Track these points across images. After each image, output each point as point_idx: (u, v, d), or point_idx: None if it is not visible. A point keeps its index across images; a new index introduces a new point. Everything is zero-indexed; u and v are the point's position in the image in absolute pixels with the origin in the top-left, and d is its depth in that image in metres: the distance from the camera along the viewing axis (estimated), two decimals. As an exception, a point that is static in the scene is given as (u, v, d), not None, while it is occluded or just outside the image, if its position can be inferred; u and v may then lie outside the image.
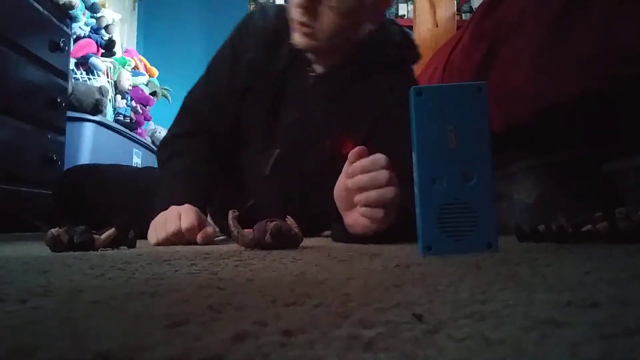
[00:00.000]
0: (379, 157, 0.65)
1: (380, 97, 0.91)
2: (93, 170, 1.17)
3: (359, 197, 0.66)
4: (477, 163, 0.50)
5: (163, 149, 1.00)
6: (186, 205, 0.82)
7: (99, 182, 1.10)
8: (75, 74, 2.06)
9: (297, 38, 0.87)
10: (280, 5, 1.03)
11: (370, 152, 0.88)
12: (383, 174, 0.64)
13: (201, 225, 0.80)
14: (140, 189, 1.09)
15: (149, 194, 1.09)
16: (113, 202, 1.04)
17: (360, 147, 0.66)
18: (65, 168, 1.65)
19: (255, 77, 0.95)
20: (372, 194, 0.64)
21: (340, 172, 0.72)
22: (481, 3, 1.27)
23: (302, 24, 0.84)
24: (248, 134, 0.97)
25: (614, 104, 0.83)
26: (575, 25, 0.84)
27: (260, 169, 0.97)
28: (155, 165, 1.08)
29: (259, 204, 0.99)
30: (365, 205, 0.66)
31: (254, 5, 2.93)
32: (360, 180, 0.65)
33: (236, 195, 1.02)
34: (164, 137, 1.06)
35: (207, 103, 1.00)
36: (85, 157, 1.94)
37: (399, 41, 0.97)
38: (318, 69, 0.94)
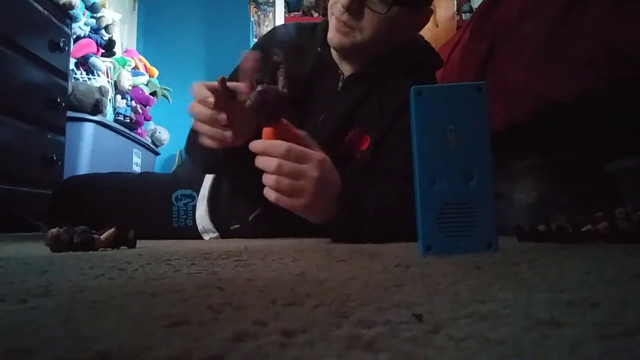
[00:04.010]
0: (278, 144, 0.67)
1: (402, 96, 0.92)
2: (89, 180, 1.18)
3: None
4: (477, 163, 0.50)
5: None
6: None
7: (96, 191, 1.10)
8: (75, 74, 2.06)
9: (333, 35, 0.88)
10: (300, 23, 1.06)
11: (383, 148, 0.91)
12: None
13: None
14: (138, 195, 1.10)
15: (146, 200, 1.09)
16: (111, 211, 1.04)
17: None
18: (65, 168, 1.65)
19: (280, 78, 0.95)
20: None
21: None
22: (481, 3, 1.27)
23: (343, 22, 0.86)
24: None
25: (613, 104, 0.83)
26: (575, 26, 0.84)
27: None
28: (154, 169, 1.08)
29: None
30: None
31: (254, 6, 2.93)
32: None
33: (245, 203, 1.03)
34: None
35: None
36: (85, 157, 1.93)
37: (422, 46, 1.01)
38: (346, 70, 0.96)
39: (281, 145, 0.67)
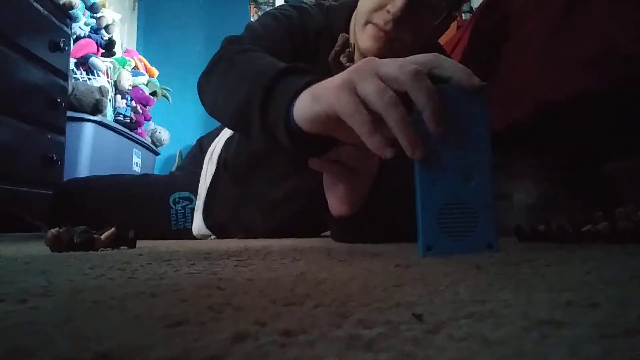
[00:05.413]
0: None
1: None
2: (88, 183, 1.18)
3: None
4: (477, 163, 0.50)
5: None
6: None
7: (95, 193, 1.10)
8: (75, 74, 2.06)
9: (371, 45, 0.84)
10: (332, 6, 0.98)
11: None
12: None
13: None
14: (136, 198, 1.10)
15: (145, 203, 1.09)
16: (110, 214, 1.04)
17: None
18: (65, 168, 1.65)
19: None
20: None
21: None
22: (481, 3, 1.27)
23: (385, 32, 0.82)
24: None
25: (613, 104, 0.83)
26: (576, 26, 0.84)
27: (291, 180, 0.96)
28: (154, 169, 1.08)
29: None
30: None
31: (253, 6, 2.92)
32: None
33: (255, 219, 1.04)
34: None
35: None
36: (85, 157, 1.93)
37: (432, 44, 1.00)
38: None
39: None
